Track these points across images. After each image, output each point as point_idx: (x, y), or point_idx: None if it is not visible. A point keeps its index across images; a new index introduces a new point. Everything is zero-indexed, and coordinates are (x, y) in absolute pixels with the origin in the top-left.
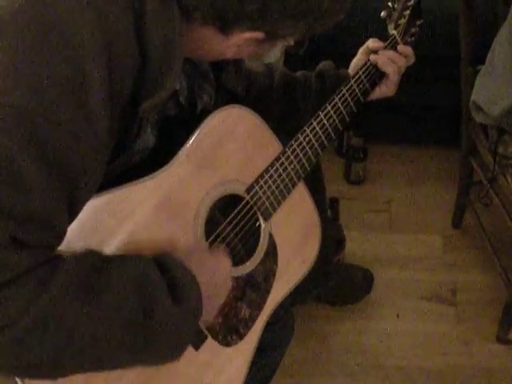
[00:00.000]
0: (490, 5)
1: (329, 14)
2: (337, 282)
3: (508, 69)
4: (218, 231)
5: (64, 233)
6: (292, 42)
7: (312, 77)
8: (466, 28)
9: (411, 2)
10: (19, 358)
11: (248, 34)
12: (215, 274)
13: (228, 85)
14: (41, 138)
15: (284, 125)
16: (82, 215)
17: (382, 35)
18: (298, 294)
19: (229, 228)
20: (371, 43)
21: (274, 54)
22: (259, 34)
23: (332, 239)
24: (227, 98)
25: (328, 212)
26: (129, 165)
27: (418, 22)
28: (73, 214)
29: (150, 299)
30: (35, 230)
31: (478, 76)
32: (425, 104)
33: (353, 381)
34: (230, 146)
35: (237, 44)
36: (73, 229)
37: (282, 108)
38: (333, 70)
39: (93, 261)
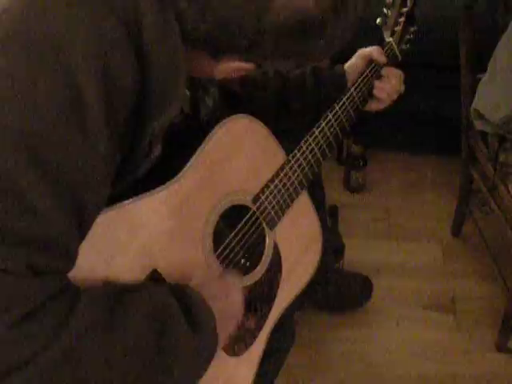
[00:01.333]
0: (490, 13)
1: (320, 55)
2: (336, 288)
3: (509, 76)
4: (226, 242)
5: (76, 254)
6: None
7: (307, 74)
8: (465, 36)
9: (405, 9)
10: None
11: (238, 64)
12: (228, 303)
13: (223, 83)
14: (42, 159)
15: (279, 124)
16: (93, 228)
17: (376, 37)
18: (298, 300)
19: (236, 239)
20: (376, 55)
21: None
22: (248, 65)
23: (331, 247)
24: (227, 100)
25: (328, 220)
26: (136, 177)
27: (412, 29)
28: (82, 232)
29: (168, 332)
30: (49, 254)
31: (480, 84)
32: (425, 112)
33: None
34: (237, 156)
35: (226, 71)
36: (84, 243)
37: (276, 106)
38: (328, 67)
39: (110, 293)
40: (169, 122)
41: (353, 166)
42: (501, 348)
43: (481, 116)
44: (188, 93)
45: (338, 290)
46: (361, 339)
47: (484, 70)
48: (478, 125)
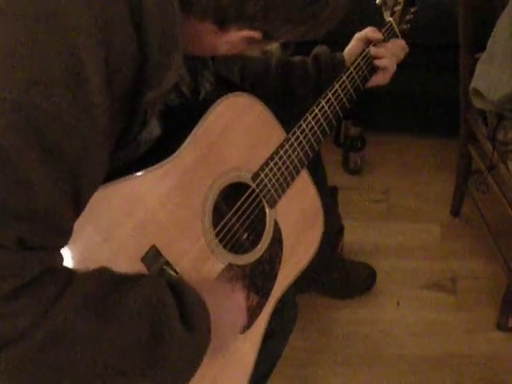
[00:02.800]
0: None
1: (328, 21)
2: (341, 275)
3: (508, 55)
4: (225, 219)
5: (70, 231)
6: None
7: (308, 61)
8: (464, 16)
9: None
10: (22, 378)
11: (245, 33)
12: (228, 305)
13: (221, 73)
14: (39, 131)
15: (282, 111)
16: (90, 205)
17: (377, 20)
18: (302, 283)
19: (236, 216)
20: (370, 33)
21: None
22: (256, 34)
23: (332, 228)
24: (226, 85)
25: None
26: (135, 156)
27: (413, 10)
28: (78, 209)
29: (162, 324)
30: (42, 228)
31: (479, 63)
32: (423, 92)
33: (353, 370)
34: (236, 133)
35: (231, 41)
36: (80, 219)
37: (279, 94)
38: (328, 54)
39: (106, 279)
40: (162, 96)
41: (351, 147)
42: (501, 327)
43: (479, 95)
44: (188, 77)
45: (343, 278)
46: (361, 320)
47: (483, 50)
48: (477, 103)
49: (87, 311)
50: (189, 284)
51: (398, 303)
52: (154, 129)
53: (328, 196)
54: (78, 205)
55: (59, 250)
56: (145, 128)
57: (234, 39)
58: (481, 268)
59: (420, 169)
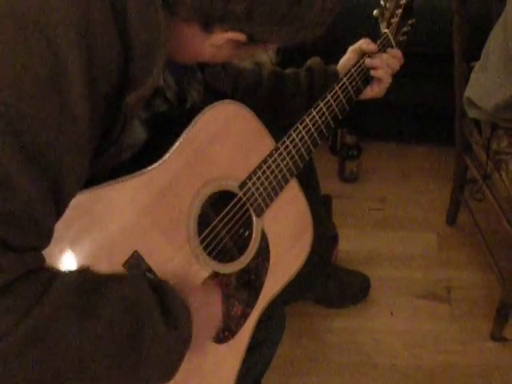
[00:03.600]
0: (483, 1)
1: (314, 24)
2: (335, 285)
3: (502, 64)
4: (210, 227)
5: (51, 232)
6: (269, 51)
7: (301, 74)
8: (459, 24)
9: (403, 1)
10: (3, 375)
11: (230, 34)
12: (207, 305)
13: (212, 84)
14: (20, 133)
15: (274, 123)
16: (74, 209)
17: (374, 32)
18: (296, 292)
19: (221, 224)
20: (365, 45)
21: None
22: (241, 36)
23: (326, 237)
24: (216, 95)
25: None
26: (119, 160)
27: (410, 22)
28: (59, 211)
29: (143, 322)
30: (23, 230)
31: (473, 72)
32: (419, 101)
33: (346, 379)
34: (224, 141)
35: (216, 44)
36: (62, 222)
37: (270, 105)
38: (321, 66)
39: (88, 279)
40: (143, 100)
41: (347, 155)
42: (495, 337)
43: (473, 104)
44: (174, 84)
45: (337, 287)
46: (355, 329)
47: (478, 59)
48: (471, 113)
49: (69, 311)
50: (171, 285)
51: (391, 313)
52: (139, 133)
53: (321, 204)
54: (58, 207)
55: (41, 252)
56: (125, 132)
57: (219, 41)
58: (476, 278)
59: (416, 177)
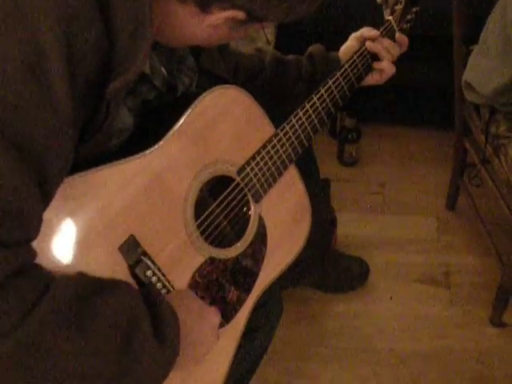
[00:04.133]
0: None
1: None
2: (335, 270)
3: (501, 48)
4: (207, 212)
5: (39, 222)
6: (268, 28)
7: (303, 60)
8: (458, 7)
9: None
10: None
11: (229, 13)
12: (201, 324)
13: (208, 67)
14: (1, 121)
15: (275, 109)
16: (68, 192)
17: (378, 19)
18: (295, 277)
19: (219, 209)
20: (366, 32)
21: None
22: (240, 14)
23: (325, 222)
24: (213, 80)
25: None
26: (107, 147)
27: (414, 9)
28: (45, 199)
29: (134, 335)
30: (9, 223)
31: (471, 55)
32: (419, 85)
33: (345, 364)
34: (223, 126)
35: (213, 24)
36: (56, 207)
37: (272, 92)
38: (323, 53)
39: (82, 289)
40: (126, 87)
41: (346, 139)
42: (494, 322)
43: (472, 88)
44: (163, 71)
45: (336, 272)
46: (354, 314)
47: (477, 42)
48: (469, 96)
49: (62, 321)
50: (164, 298)
51: (390, 297)
52: (126, 120)
53: (320, 188)
54: (45, 195)
55: (30, 243)
56: (111, 119)
57: (217, 21)
58: (475, 262)
59: (416, 161)
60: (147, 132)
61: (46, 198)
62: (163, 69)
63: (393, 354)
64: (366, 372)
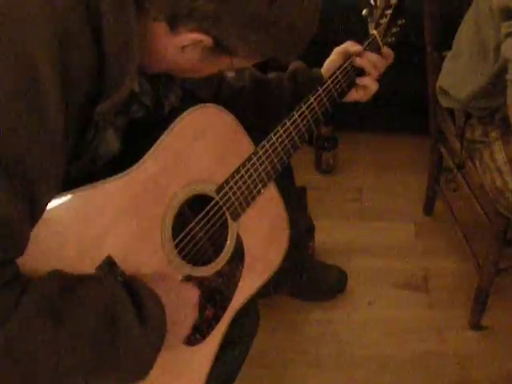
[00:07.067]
0: None
1: (283, 40)
2: (311, 278)
3: (474, 53)
4: (185, 231)
5: (26, 241)
6: (235, 66)
7: (284, 78)
8: (430, 14)
9: (394, 1)
10: None
11: (195, 35)
12: (182, 302)
13: (192, 90)
14: None
15: (256, 127)
16: (50, 214)
17: (362, 32)
18: (271, 286)
19: (197, 228)
20: (350, 47)
21: None
22: (207, 39)
23: (302, 230)
24: (195, 99)
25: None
26: (94, 167)
27: (400, 22)
28: (34, 219)
29: (118, 326)
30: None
31: (445, 61)
32: (394, 91)
33: (324, 371)
34: (203, 144)
35: (181, 44)
36: (38, 228)
37: (253, 111)
38: (305, 70)
39: (61, 285)
40: (115, 108)
41: (323, 147)
42: (473, 325)
43: (446, 93)
44: (150, 89)
45: (313, 281)
46: (333, 320)
47: (451, 48)
48: (444, 102)
49: (43, 319)
50: (144, 283)
51: (369, 303)
52: (112, 143)
53: (296, 196)
54: (33, 213)
55: (14, 260)
56: (95, 139)
57: (184, 42)
58: (453, 266)
59: (393, 167)
60: (131, 151)
61: (33, 218)
62: (148, 86)
63: (372, 359)
64: (347, 378)
